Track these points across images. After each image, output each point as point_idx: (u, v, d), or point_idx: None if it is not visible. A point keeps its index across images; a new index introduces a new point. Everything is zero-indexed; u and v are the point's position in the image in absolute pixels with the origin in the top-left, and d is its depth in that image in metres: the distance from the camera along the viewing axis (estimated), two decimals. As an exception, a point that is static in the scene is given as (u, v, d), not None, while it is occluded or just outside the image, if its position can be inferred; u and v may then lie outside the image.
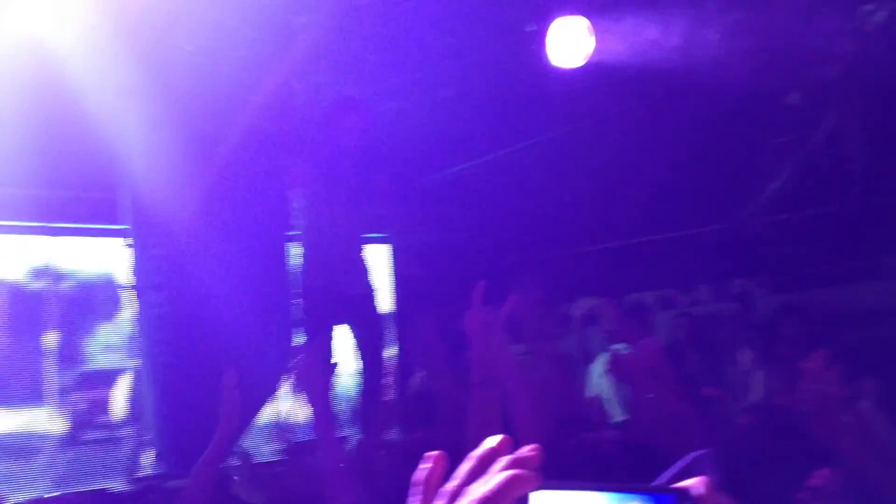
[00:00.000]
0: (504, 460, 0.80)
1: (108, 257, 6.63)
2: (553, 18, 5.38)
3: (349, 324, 5.08)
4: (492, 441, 0.82)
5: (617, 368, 3.74)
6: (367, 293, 5.11)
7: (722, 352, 6.28)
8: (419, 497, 0.83)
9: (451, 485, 0.81)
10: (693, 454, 1.05)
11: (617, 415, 5.04)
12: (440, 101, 6.51)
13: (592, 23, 5.43)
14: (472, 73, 6.16)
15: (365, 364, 5.05)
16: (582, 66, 5.49)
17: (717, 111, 6.24)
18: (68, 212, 6.24)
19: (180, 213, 4.06)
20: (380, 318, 5.18)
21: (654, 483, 0.92)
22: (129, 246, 4.41)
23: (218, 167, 4.13)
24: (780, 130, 6.61)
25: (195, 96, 4.06)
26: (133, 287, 4.30)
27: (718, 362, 6.14)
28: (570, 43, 5.40)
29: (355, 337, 5.11)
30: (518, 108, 6.42)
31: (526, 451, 0.80)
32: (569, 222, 7.28)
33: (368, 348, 5.05)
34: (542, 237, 7.46)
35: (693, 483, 0.82)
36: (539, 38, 5.30)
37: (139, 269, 4.27)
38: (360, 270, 5.10)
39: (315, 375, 4.77)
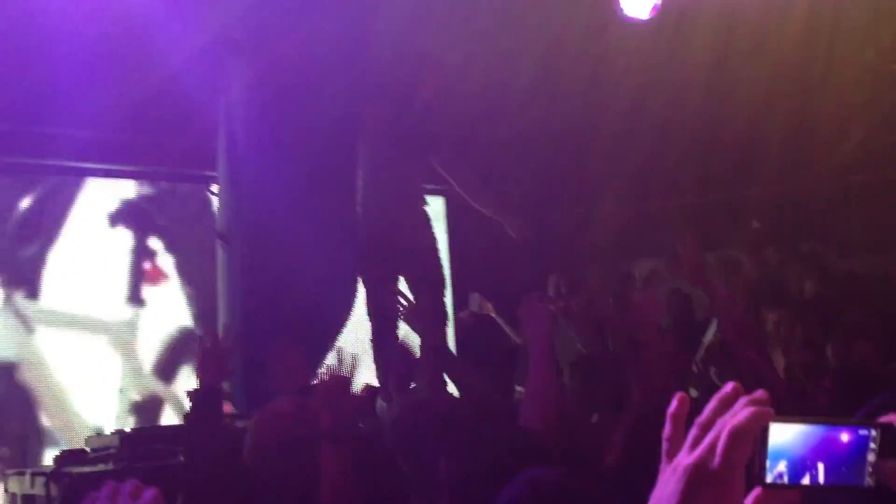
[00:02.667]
0: (744, 399, 0.99)
1: (198, 204, 6.83)
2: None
3: (409, 276, 5.11)
4: (728, 386, 1.02)
5: None
6: (429, 246, 5.13)
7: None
8: (671, 428, 1.03)
9: (703, 417, 1.01)
10: (884, 395, 1.26)
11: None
12: (500, 56, 6.44)
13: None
14: (534, 25, 6.09)
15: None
16: (650, 19, 5.39)
17: (790, 68, 6.09)
18: (162, 156, 6.51)
19: (265, 164, 4.13)
20: (441, 270, 5.20)
21: (855, 418, 1.12)
22: (216, 194, 4.50)
23: (299, 119, 4.17)
24: (854, 90, 6.42)
25: (282, 49, 4.08)
26: (220, 234, 4.39)
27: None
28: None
29: (414, 290, 5.14)
30: (582, 62, 6.33)
31: (759, 393, 0.99)
32: (631, 179, 7.19)
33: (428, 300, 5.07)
34: (601, 193, 7.38)
35: (891, 417, 1.02)
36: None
37: (227, 218, 4.36)
38: (422, 223, 5.12)
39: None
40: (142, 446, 4.61)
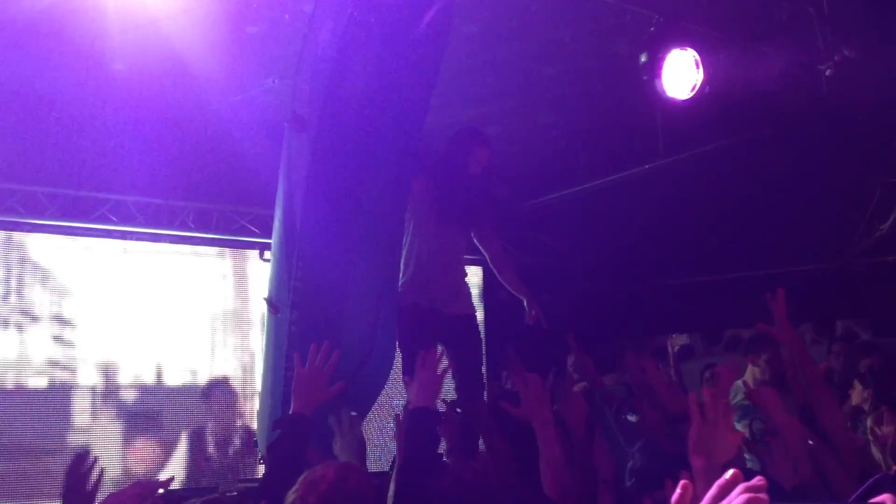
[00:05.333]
0: (741, 486, 1.04)
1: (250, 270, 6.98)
2: (659, 50, 5.38)
3: (447, 344, 5.14)
4: (729, 473, 1.07)
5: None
6: (469, 317, 5.17)
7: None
8: None
9: None
10: (876, 476, 1.24)
11: None
12: (541, 128, 6.56)
13: (700, 55, 5.41)
14: (574, 100, 6.20)
15: (461, 388, 5.09)
16: (688, 98, 5.47)
17: (827, 147, 6.13)
18: (217, 223, 6.68)
19: (320, 235, 4.21)
20: (479, 340, 5.23)
21: (852, 499, 1.21)
22: (268, 261, 4.58)
23: (355, 192, 4.26)
24: (892, 169, 6.45)
25: (343, 124, 4.19)
26: (269, 301, 4.46)
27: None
28: (677, 75, 5.39)
29: (452, 360, 5.16)
30: (620, 138, 6.43)
31: (756, 480, 1.04)
32: (666, 254, 7.22)
33: (466, 373, 5.09)
34: (638, 268, 7.41)
35: (881, 499, 1.06)
36: (648, 69, 5.31)
37: (277, 285, 4.43)
38: (462, 293, 5.17)
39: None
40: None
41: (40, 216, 6.29)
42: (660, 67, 5.28)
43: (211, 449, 6.81)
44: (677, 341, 7.27)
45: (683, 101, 5.42)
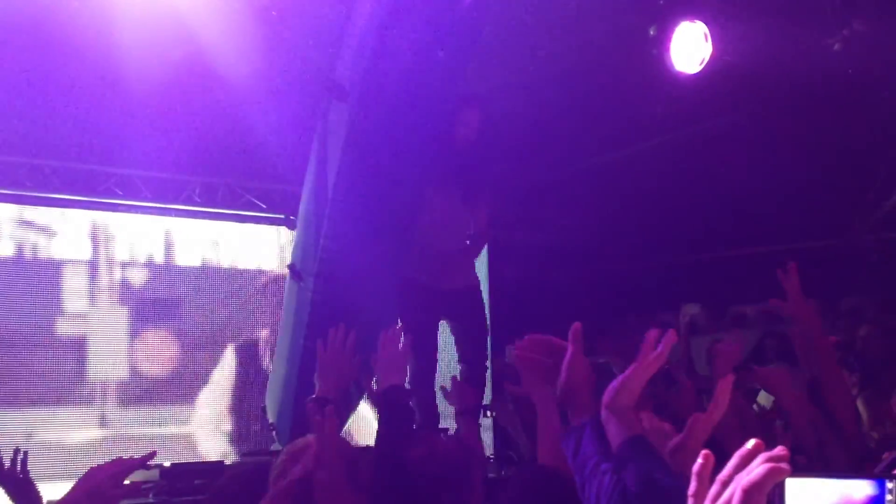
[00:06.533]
0: (762, 456, 1.03)
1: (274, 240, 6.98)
2: (668, 23, 5.34)
3: (450, 319, 5.14)
4: (750, 443, 1.06)
5: None
6: (471, 289, 5.15)
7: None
8: (695, 484, 1.09)
9: (724, 474, 1.06)
10: None
11: None
12: (547, 101, 6.51)
13: (710, 29, 5.38)
14: (579, 75, 6.16)
15: (465, 359, 5.09)
16: (697, 72, 5.44)
17: (836, 123, 6.10)
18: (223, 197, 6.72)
19: (347, 207, 4.23)
20: (482, 314, 5.22)
21: (876, 471, 1.21)
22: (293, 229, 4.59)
23: (385, 166, 4.26)
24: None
25: (382, 97, 4.18)
26: (293, 268, 4.49)
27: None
28: (686, 48, 5.36)
29: (456, 332, 5.16)
30: (628, 112, 6.39)
31: (778, 450, 1.03)
32: (673, 229, 7.20)
33: (469, 344, 5.09)
34: (642, 243, 7.40)
35: None
36: (656, 42, 5.28)
37: (303, 253, 4.46)
38: (462, 265, 5.13)
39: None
40: (181, 481, 4.65)
41: (46, 190, 6.29)
42: (668, 40, 5.25)
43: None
44: (688, 311, 7.21)
45: (692, 74, 5.39)
